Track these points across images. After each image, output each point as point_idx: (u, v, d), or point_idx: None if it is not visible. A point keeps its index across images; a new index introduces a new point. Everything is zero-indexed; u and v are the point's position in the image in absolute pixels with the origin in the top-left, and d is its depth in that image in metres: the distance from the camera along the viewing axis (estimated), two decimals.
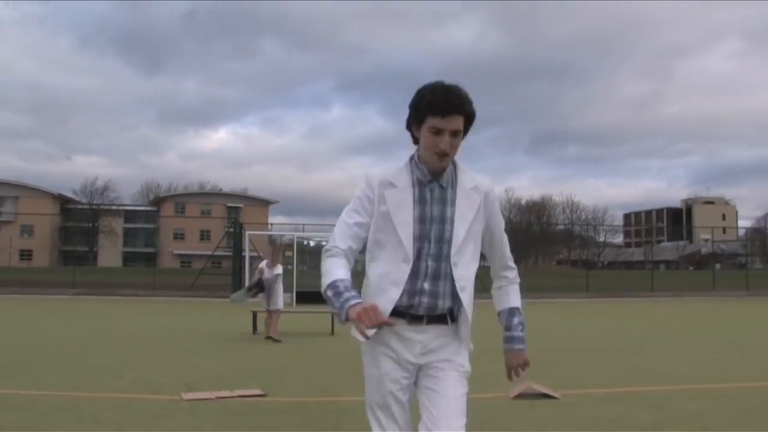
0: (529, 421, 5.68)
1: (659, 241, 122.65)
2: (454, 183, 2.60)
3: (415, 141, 2.65)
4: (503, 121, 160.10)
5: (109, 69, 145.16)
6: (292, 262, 29.67)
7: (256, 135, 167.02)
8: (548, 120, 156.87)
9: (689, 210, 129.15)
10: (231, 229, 38.57)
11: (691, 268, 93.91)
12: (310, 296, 23.54)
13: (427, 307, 2.51)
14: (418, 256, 2.49)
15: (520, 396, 6.62)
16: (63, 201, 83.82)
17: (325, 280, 2.43)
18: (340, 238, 2.51)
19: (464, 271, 2.53)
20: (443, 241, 2.51)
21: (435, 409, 2.44)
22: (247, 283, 27.82)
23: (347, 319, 2.30)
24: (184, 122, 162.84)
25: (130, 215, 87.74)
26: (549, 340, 12.14)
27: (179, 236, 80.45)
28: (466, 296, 2.54)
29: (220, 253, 65.79)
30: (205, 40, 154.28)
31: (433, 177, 2.57)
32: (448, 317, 2.56)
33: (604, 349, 11.37)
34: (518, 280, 2.81)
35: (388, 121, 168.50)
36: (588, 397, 6.83)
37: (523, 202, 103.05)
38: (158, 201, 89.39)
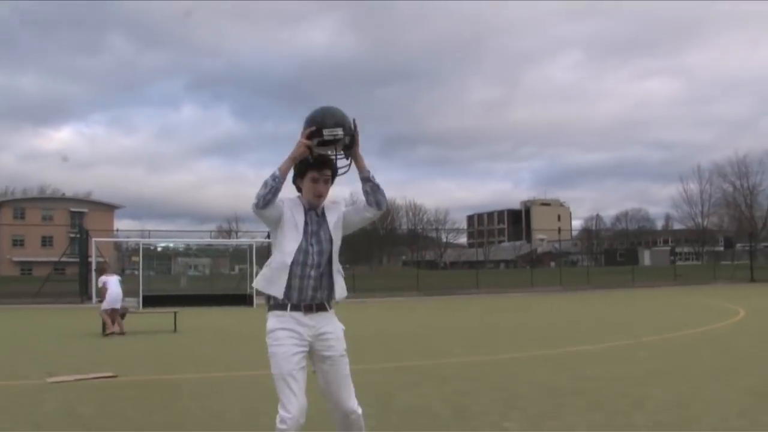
0: None
1: (501, 242, 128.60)
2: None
3: (299, 190, 3.81)
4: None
5: None
6: (138, 268, 30.66)
7: (102, 135, 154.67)
8: (401, 123, 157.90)
9: (528, 211, 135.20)
10: (77, 236, 38.64)
11: (527, 266, 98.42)
12: (156, 300, 25.05)
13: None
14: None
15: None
16: None
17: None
18: None
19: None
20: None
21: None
22: (94, 289, 28.76)
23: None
24: (22, 119, 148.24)
25: None
26: (363, 329, 14.48)
27: (19, 243, 77.68)
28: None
29: (64, 259, 64.80)
30: (46, 33, 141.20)
31: (311, 207, 3.79)
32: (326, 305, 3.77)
33: (400, 335, 13.88)
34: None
35: (237, 122, 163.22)
36: (375, 370, 9.15)
37: None
38: None
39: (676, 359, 9.49)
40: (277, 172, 3.55)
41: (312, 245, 3.70)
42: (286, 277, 3.66)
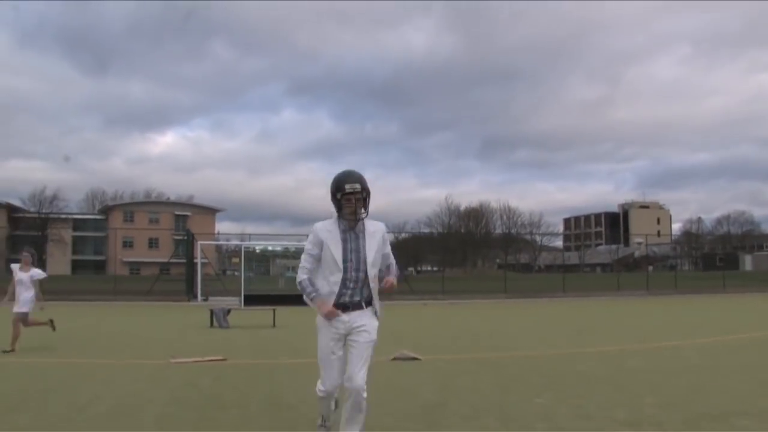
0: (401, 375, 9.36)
1: (598, 245, 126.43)
2: (363, 230, 4.79)
3: (338, 209, 4.74)
4: (454, 125, 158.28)
5: (52, 69, 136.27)
6: (240, 269, 32.93)
7: (205, 139, 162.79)
8: (499, 124, 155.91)
9: (626, 214, 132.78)
10: (182, 238, 41.32)
11: (623, 271, 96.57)
12: (256, 299, 27.09)
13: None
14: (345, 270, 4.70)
15: (396, 359, 10.27)
16: (10, 210, 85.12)
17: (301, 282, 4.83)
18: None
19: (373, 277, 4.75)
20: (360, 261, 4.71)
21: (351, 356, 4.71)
22: (199, 288, 31.16)
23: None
24: (131, 126, 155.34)
25: (78, 224, 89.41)
26: (441, 327, 15.92)
27: (128, 244, 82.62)
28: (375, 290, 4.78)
29: (166, 260, 68.65)
30: (154, 41, 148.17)
31: (350, 227, 4.77)
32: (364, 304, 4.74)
33: (473, 332, 15.23)
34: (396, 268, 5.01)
35: (337, 125, 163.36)
36: (443, 360, 10.58)
37: (462, 208, 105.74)
38: (106, 210, 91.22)
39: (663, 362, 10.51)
40: (309, 297, 4.85)
41: (351, 261, 4.72)
42: (332, 301, 4.73)
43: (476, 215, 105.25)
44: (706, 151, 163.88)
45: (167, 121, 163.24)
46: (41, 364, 9.78)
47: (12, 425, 5.82)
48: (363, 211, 4.70)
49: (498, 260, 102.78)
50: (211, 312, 17.29)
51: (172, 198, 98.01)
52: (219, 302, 24.67)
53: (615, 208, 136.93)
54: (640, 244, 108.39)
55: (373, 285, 4.78)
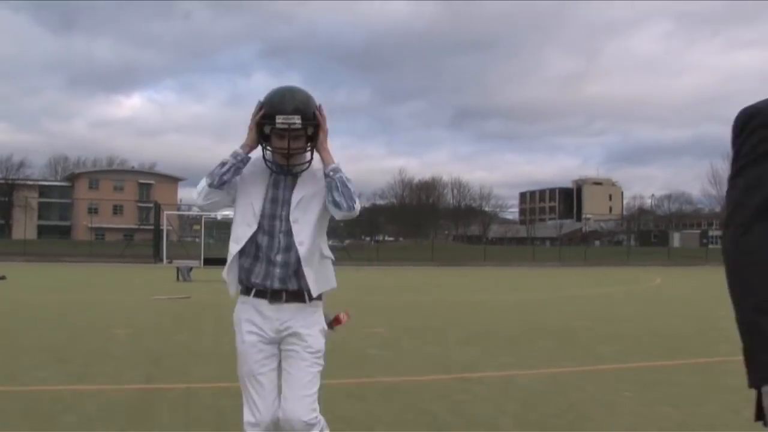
0: None
1: (552, 219, 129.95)
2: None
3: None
4: (427, 93, 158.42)
5: (14, 25, 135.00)
6: (200, 235, 37.51)
7: (172, 102, 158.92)
8: (473, 94, 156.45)
9: (579, 190, 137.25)
10: (146, 206, 45.09)
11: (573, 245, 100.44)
12: (215, 261, 31.76)
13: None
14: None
15: None
16: None
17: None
18: None
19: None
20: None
21: None
22: (164, 251, 35.81)
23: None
24: (95, 87, 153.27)
25: (44, 190, 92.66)
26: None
27: (93, 210, 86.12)
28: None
29: (132, 226, 73.38)
30: None
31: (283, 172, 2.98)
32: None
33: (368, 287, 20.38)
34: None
35: (309, 90, 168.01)
36: None
37: (415, 181, 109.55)
38: (72, 177, 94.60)
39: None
40: (240, 150, 3.01)
41: (280, 221, 3.01)
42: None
43: (428, 188, 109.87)
44: (676, 128, 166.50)
45: (134, 82, 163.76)
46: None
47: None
48: (307, 154, 3.04)
49: (446, 231, 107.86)
50: (177, 269, 22.16)
51: (136, 165, 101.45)
52: (183, 263, 29.45)
53: (569, 184, 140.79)
54: (588, 219, 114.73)
55: (318, 265, 3.07)
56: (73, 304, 13.68)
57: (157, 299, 14.76)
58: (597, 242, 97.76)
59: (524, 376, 6.59)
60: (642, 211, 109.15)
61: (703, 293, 19.09)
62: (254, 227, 3.00)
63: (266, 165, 3.05)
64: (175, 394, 5.58)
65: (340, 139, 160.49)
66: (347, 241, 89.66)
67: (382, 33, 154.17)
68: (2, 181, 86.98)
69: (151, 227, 46.92)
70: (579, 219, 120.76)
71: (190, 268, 22.33)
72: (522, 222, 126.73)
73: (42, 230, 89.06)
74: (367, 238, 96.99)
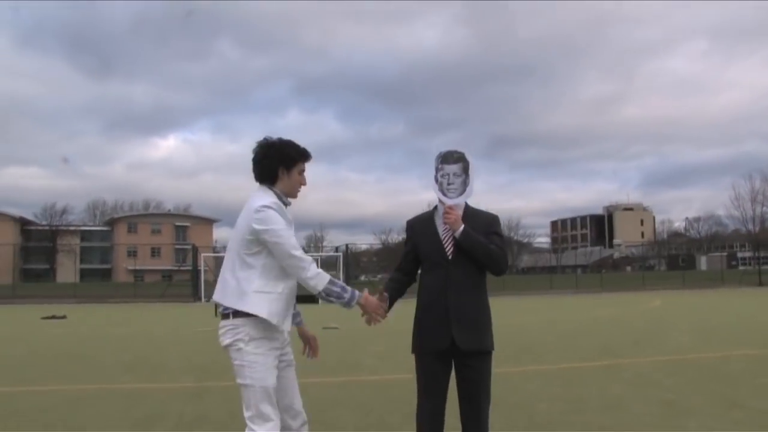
0: None
1: (583, 247, 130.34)
2: None
3: (274, 180, 3.63)
4: (461, 124, 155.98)
5: (53, 72, 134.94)
6: None
7: (207, 142, 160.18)
8: (507, 123, 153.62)
9: (610, 217, 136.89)
10: (182, 248, 47.52)
11: (604, 271, 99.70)
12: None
13: None
14: None
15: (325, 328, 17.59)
16: (23, 223, 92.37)
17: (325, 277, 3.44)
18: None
19: None
20: None
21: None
22: (202, 290, 38.37)
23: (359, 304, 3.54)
24: (132, 130, 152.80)
25: (85, 234, 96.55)
26: None
27: (132, 253, 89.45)
28: None
29: (169, 267, 76.41)
30: (159, 41, 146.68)
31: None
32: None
33: None
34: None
35: (342, 126, 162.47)
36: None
37: None
38: (112, 222, 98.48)
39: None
40: (354, 302, 3.53)
41: None
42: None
43: None
44: (715, 148, 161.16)
45: (169, 124, 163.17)
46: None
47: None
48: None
49: None
50: (215, 304, 24.49)
51: (171, 208, 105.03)
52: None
53: (600, 211, 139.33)
54: (618, 245, 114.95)
55: None
56: (130, 335, 16.20)
57: (201, 330, 17.19)
58: (629, 268, 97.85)
59: None
60: (676, 235, 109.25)
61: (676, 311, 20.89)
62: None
63: None
64: (217, 391, 7.93)
65: (375, 174, 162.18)
66: (379, 276, 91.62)
67: (414, 65, 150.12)
68: (47, 228, 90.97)
69: (188, 268, 49.62)
70: (611, 246, 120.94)
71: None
72: (555, 251, 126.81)
73: (84, 273, 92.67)
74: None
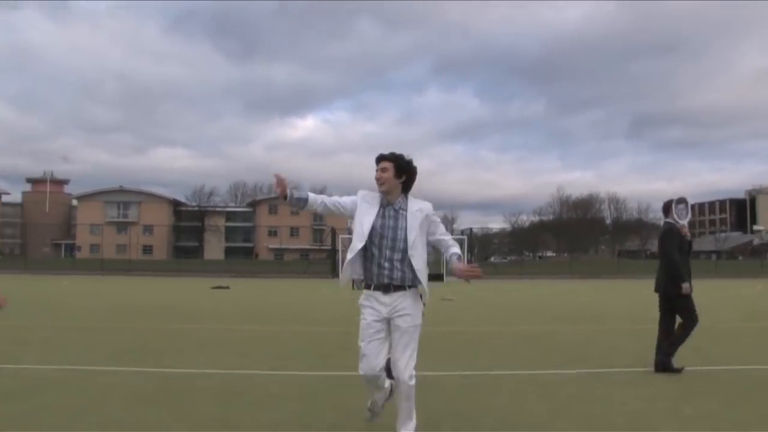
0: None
1: (722, 232, 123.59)
2: (405, 207, 4.60)
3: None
4: (604, 102, 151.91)
5: (198, 55, 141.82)
6: None
7: (346, 122, 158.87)
8: (654, 100, 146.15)
9: (753, 201, 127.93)
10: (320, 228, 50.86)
11: (740, 257, 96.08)
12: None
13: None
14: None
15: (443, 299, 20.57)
16: (175, 204, 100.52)
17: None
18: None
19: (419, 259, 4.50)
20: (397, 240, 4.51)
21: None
22: (340, 269, 42.39)
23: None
24: (271, 110, 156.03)
25: (230, 215, 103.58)
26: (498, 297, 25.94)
27: (273, 233, 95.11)
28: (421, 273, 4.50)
29: (307, 246, 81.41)
30: (300, 22, 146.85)
31: (388, 203, 4.62)
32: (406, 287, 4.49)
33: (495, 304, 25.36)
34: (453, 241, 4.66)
35: (483, 103, 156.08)
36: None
37: (573, 198, 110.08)
38: (254, 203, 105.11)
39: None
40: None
41: (386, 238, 4.61)
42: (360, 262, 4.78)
43: (585, 205, 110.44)
44: None
45: (308, 104, 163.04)
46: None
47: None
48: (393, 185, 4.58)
49: (602, 247, 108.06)
50: (353, 280, 27.94)
51: (308, 188, 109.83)
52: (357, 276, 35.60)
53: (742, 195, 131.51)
54: (758, 231, 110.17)
55: (419, 267, 4.54)
56: (289, 304, 19.84)
57: (342, 299, 20.56)
58: None
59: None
60: None
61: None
62: None
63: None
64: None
65: (513, 153, 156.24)
66: (509, 258, 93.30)
67: (557, 40, 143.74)
68: (196, 209, 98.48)
69: (325, 247, 53.65)
70: (752, 231, 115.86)
71: (362, 279, 28.09)
72: (692, 235, 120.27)
73: (228, 251, 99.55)
74: (530, 254, 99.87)
